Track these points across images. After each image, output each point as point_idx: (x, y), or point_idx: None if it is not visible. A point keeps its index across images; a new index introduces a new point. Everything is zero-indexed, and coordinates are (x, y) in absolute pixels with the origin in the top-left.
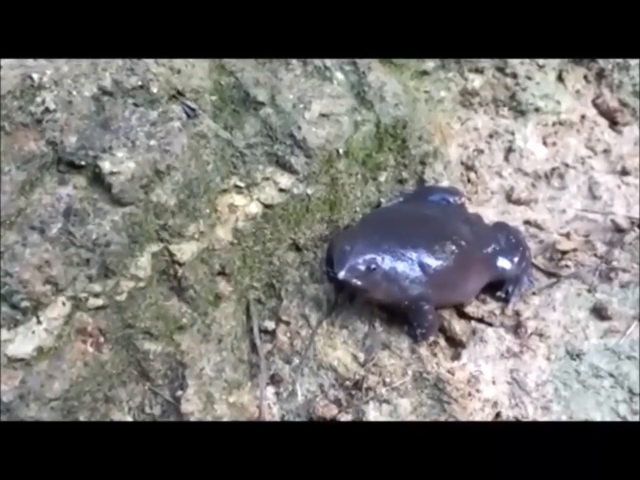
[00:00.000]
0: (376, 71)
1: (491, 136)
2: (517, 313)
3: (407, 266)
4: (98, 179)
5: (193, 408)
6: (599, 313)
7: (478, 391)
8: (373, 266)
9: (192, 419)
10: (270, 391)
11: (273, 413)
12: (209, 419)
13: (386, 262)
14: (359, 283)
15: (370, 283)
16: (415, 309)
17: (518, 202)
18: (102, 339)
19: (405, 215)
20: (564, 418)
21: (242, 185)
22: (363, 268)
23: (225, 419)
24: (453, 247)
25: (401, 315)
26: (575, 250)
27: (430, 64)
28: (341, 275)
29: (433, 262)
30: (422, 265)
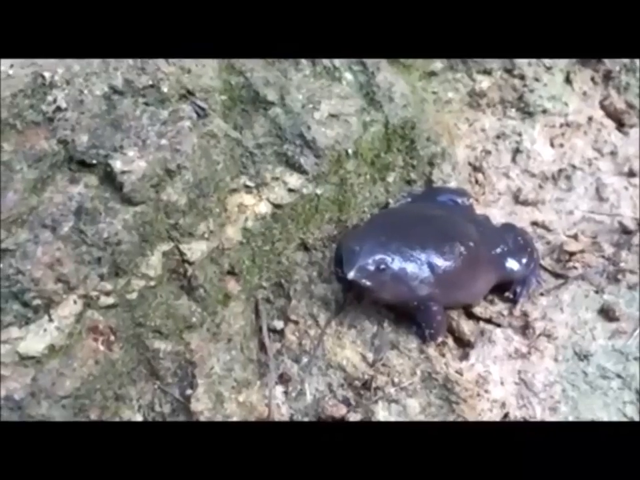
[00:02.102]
0: (384, 72)
1: (498, 137)
2: (525, 314)
3: (416, 266)
4: (109, 178)
5: (202, 407)
6: (607, 314)
7: (486, 391)
8: (382, 266)
9: (201, 417)
10: (279, 390)
11: (282, 412)
12: (218, 417)
13: (395, 262)
14: (367, 282)
15: (379, 283)
16: (423, 309)
17: (525, 203)
18: (112, 338)
19: (413, 215)
20: (571, 418)
21: (251, 184)
22: (372, 268)
23: (234, 418)
24: (461, 248)
25: (410, 315)
26: (582, 251)
27: (438, 65)
28: (350, 274)
29: (441, 262)
30: (430, 266)
